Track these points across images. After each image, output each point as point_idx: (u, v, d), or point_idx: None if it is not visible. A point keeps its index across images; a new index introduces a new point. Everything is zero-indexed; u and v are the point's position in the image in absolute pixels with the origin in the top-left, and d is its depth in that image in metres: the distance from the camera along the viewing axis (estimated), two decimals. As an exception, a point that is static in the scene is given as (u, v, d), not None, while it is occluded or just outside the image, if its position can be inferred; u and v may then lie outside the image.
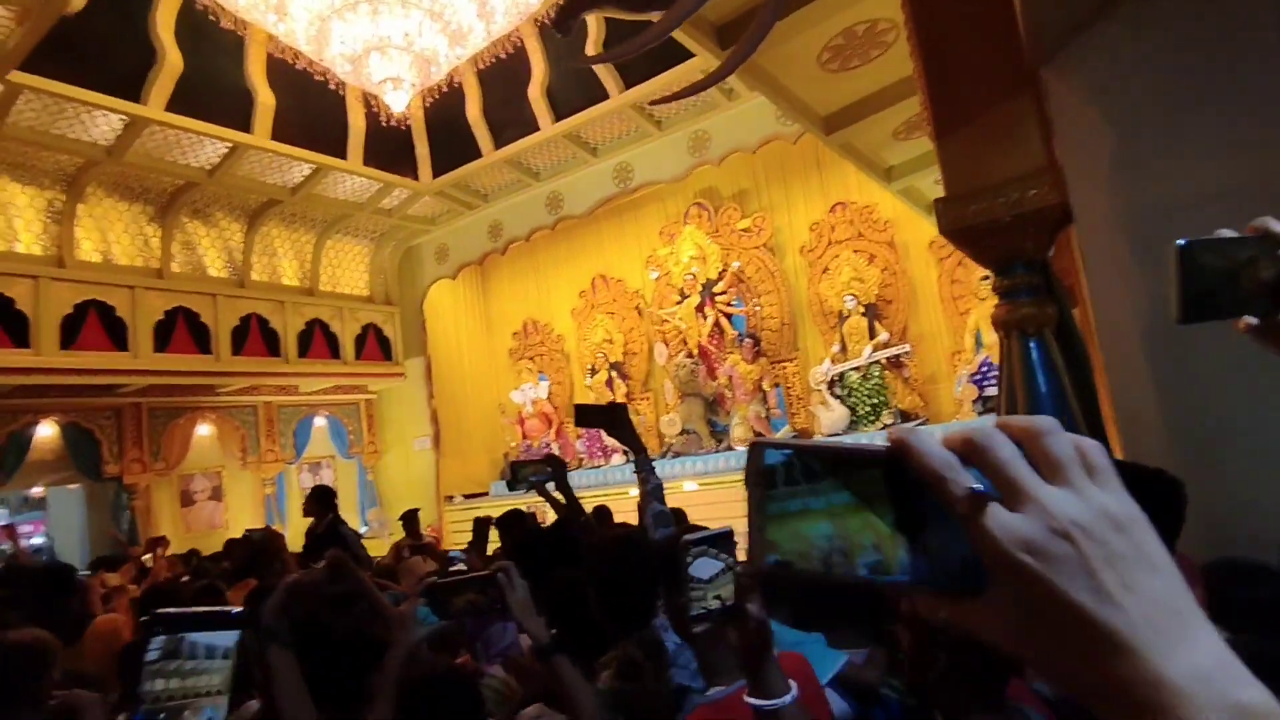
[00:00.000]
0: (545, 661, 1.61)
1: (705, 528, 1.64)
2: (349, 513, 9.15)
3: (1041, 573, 0.38)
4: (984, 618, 0.40)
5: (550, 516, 4.01)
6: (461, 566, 4.70)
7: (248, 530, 4.64)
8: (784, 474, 0.42)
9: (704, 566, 1.17)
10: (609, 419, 2.68)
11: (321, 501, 4.92)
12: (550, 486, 3.22)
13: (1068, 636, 0.38)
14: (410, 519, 5.96)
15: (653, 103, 7.91)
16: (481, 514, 4.94)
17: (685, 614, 1.17)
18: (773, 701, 1.07)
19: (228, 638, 0.86)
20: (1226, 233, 0.78)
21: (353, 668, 1.65)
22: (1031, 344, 2.65)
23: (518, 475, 3.16)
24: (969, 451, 0.40)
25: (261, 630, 1.46)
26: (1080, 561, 0.38)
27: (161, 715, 0.83)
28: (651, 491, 2.30)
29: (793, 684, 1.12)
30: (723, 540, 1.18)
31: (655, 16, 2.56)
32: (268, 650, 1.49)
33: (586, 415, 2.70)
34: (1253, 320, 0.80)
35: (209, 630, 0.86)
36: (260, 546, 4.43)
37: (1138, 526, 0.40)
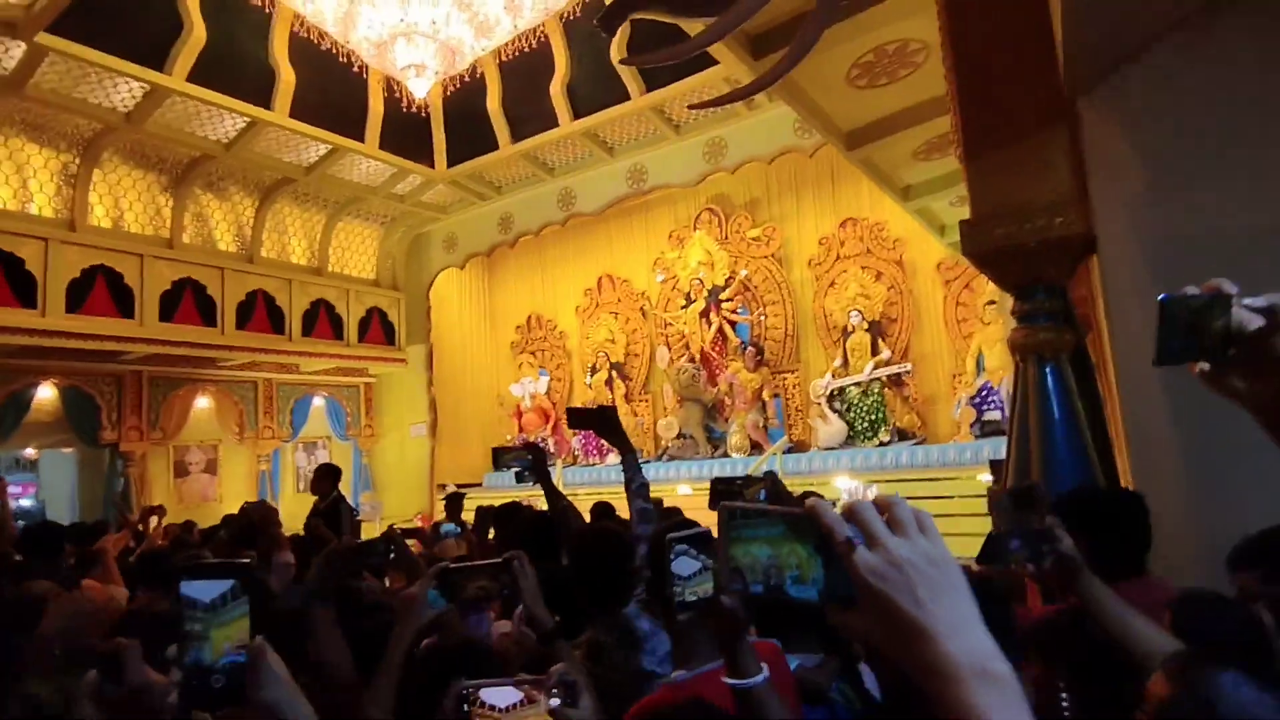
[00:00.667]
0: (549, 646, 1.72)
1: (696, 523, 1.76)
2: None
3: (882, 590, 0.60)
4: (859, 621, 0.63)
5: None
6: (456, 543, 4.74)
7: (245, 504, 4.61)
8: (742, 511, 0.66)
9: (684, 565, 1.27)
10: (599, 421, 2.76)
11: (329, 479, 4.95)
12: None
13: (899, 630, 0.60)
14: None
15: (691, 106, 7.96)
16: (476, 504, 5.03)
17: (671, 605, 1.27)
18: (746, 681, 1.19)
19: (210, 590, 0.91)
20: (1192, 289, 0.91)
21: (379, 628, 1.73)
22: (1047, 369, 2.69)
23: (499, 461, 3.23)
24: (850, 515, 0.63)
25: (307, 590, 1.54)
26: (906, 583, 0.60)
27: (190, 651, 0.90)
28: (637, 490, 2.40)
29: (764, 666, 1.23)
30: (702, 541, 1.30)
31: (701, 23, 2.59)
32: (312, 607, 1.55)
33: (578, 417, 2.79)
34: (1204, 366, 0.93)
35: (207, 579, 0.92)
36: (257, 519, 4.42)
37: (947, 564, 0.62)
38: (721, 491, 2.39)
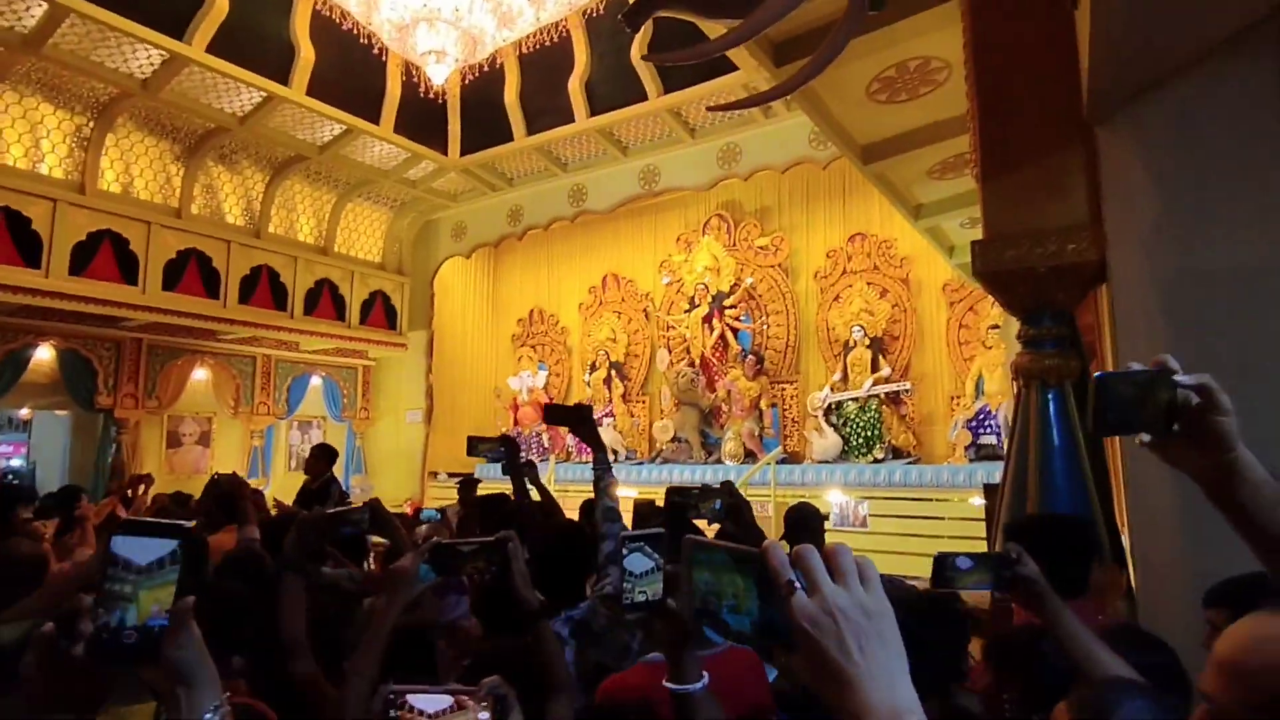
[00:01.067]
0: (533, 626, 1.74)
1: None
2: (334, 476, 9.11)
3: (814, 636, 0.63)
4: (797, 664, 0.64)
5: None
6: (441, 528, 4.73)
7: (215, 474, 4.53)
8: (703, 545, 0.70)
9: (637, 562, 1.30)
10: (574, 418, 2.80)
11: (325, 459, 4.94)
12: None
13: (827, 675, 0.62)
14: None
15: (710, 108, 7.96)
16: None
17: (619, 601, 1.31)
18: (684, 687, 1.22)
19: (149, 551, 0.88)
20: (1136, 366, 0.96)
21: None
22: (1050, 395, 2.67)
23: (473, 450, 3.25)
24: (796, 560, 0.66)
25: (280, 558, 1.58)
26: (837, 632, 0.62)
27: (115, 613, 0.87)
28: (604, 489, 2.43)
29: (705, 674, 1.26)
30: (656, 540, 1.31)
31: (724, 25, 2.58)
32: (283, 575, 1.66)
33: (554, 414, 2.85)
34: (1146, 437, 0.99)
35: (149, 536, 0.88)
36: (230, 491, 4.37)
37: (882, 616, 0.64)
38: (677, 503, 2.41)
